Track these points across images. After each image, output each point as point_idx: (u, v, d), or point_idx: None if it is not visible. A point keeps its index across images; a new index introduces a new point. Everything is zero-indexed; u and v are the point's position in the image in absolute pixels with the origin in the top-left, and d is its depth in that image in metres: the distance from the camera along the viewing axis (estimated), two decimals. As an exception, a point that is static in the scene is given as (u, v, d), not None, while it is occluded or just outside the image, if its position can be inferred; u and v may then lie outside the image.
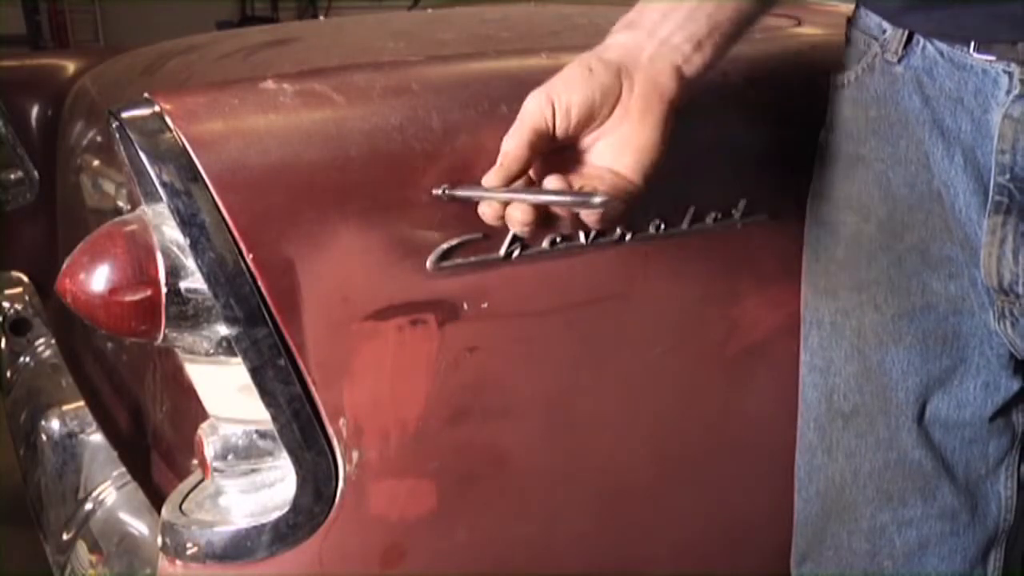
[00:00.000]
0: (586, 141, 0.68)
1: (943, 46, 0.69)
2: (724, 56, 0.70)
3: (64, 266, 0.68)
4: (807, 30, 1.01)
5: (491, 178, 0.66)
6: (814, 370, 0.84)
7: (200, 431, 0.75)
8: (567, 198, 0.64)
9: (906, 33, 0.71)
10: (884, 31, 0.73)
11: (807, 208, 0.84)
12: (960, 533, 0.81)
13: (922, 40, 0.71)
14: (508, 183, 0.66)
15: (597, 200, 0.62)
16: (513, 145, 0.66)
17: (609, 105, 0.67)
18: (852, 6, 0.79)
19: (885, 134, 0.74)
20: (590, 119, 0.67)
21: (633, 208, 0.67)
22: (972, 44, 0.67)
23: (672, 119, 0.68)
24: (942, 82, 0.69)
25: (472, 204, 0.68)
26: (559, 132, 0.66)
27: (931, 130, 0.71)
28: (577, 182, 0.66)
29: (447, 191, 0.70)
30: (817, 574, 0.87)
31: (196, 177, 0.66)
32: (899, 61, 0.72)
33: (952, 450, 0.79)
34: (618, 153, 0.67)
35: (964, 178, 0.70)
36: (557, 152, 0.68)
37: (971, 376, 0.77)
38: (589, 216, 0.65)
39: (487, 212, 0.66)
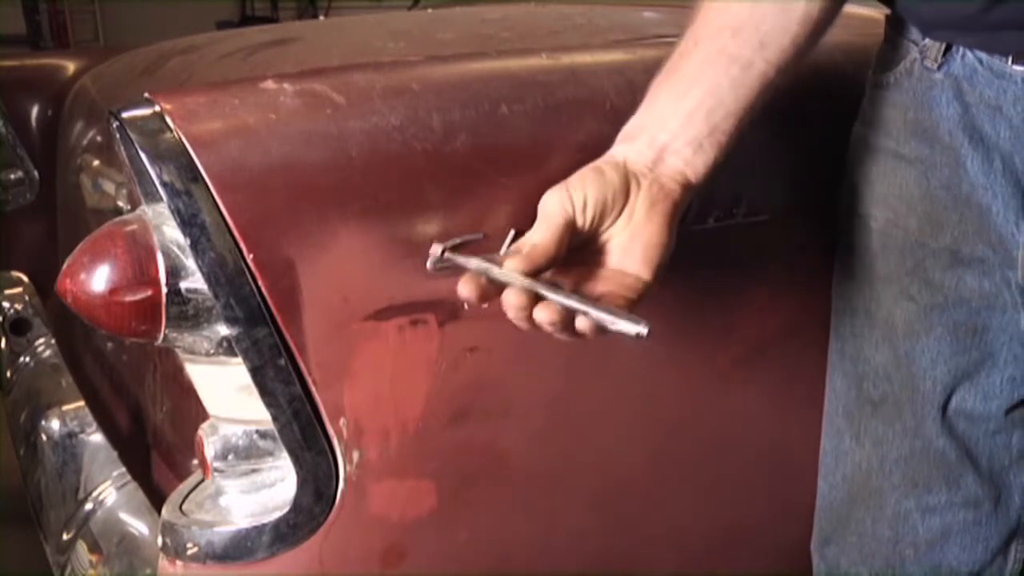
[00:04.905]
0: (596, 244, 0.69)
1: (982, 54, 0.70)
2: (730, 149, 0.71)
3: (64, 266, 0.68)
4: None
5: (514, 266, 0.64)
6: (845, 357, 0.85)
7: (200, 431, 0.75)
8: (610, 317, 0.62)
9: (945, 41, 0.72)
10: (924, 37, 0.74)
11: (841, 199, 0.84)
12: (983, 522, 0.82)
13: (962, 48, 0.71)
14: (531, 276, 0.64)
15: (643, 331, 0.61)
16: (542, 238, 0.65)
17: (619, 205, 0.68)
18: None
19: (923, 137, 0.74)
20: (603, 216, 0.68)
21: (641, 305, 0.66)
22: (1011, 57, 0.68)
23: (677, 219, 0.70)
24: (981, 90, 0.70)
25: (472, 203, 0.68)
26: (578, 227, 0.67)
27: (969, 136, 0.71)
28: (591, 285, 0.67)
29: (447, 254, 0.68)
30: (839, 558, 0.88)
31: (196, 177, 0.66)
32: (938, 68, 0.72)
33: (976, 440, 0.80)
34: (626, 252, 0.68)
35: (1002, 183, 0.70)
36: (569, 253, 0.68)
37: (998, 370, 0.77)
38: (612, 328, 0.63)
39: (510, 301, 0.63)
